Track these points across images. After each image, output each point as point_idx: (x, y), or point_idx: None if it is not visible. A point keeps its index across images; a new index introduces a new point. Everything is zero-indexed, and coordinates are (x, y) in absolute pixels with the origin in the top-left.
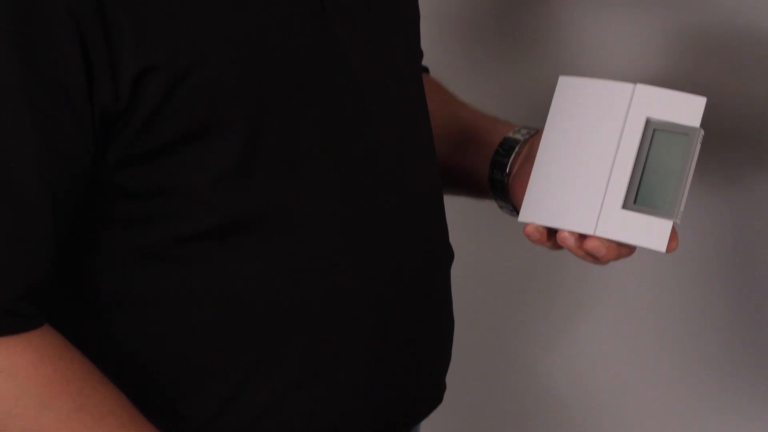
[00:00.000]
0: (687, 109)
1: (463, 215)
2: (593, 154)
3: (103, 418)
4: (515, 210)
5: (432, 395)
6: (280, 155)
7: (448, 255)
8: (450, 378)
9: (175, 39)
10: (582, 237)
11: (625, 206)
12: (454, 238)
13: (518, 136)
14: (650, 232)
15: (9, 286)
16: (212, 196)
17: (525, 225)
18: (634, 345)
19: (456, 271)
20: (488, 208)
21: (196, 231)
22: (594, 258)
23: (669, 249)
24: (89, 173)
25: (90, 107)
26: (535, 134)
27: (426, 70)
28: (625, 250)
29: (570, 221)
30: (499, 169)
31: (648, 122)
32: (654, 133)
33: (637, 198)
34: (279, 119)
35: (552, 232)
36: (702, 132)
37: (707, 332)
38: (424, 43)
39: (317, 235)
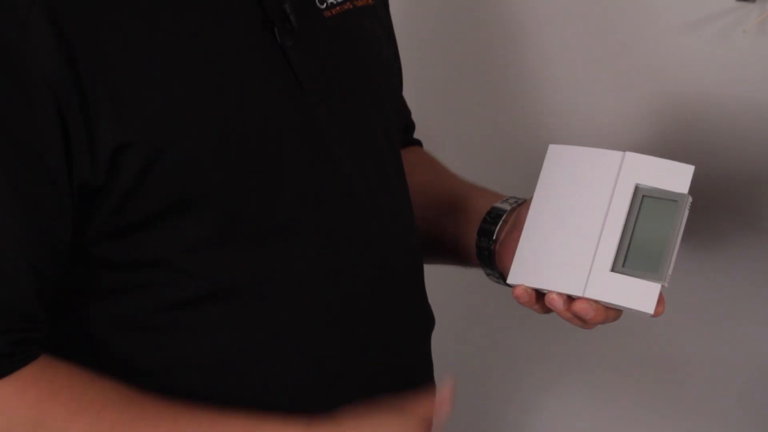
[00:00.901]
0: (676, 177)
1: (446, 281)
2: (582, 219)
3: (101, 412)
4: (502, 277)
5: None
6: (258, 228)
7: (429, 321)
8: None
9: (151, 117)
10: (570, 299)
11: (614, 269)
12: (437, 304)
13: (505, 206)
14: (638, 295)
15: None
16: (191, 267)
17: (514, 287)
18: (619, 406)
19: (437, 335)
20: (472, 275)
21: (176, 300)
22: (581, 320)
23: (656, 313)
24: (70, 245)
25: (69, 180)
26: (522, 204)
27: (419, 143)
28: (612, 313)
29: (559, 283)
30: (486, 237)
31: (637, 189)
32: (643, 199)
33: (626, 261)
34: (256, 194)
35: (541, 295)
36: (690, 198)
37: (693, 390)
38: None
39: (297, 305)
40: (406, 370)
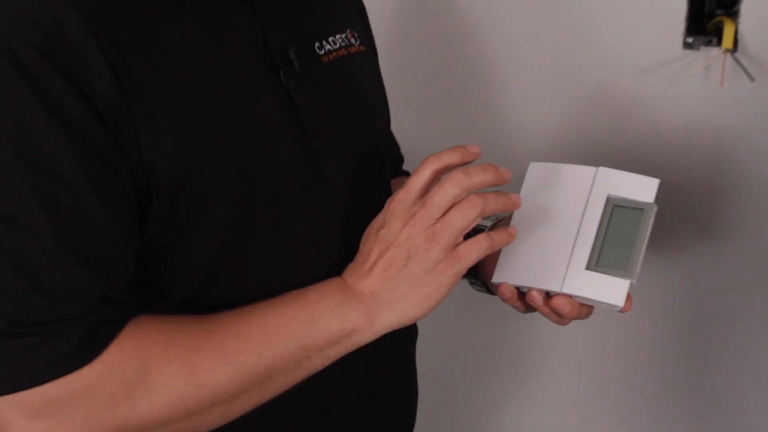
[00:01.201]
0: (643, 188)
1: None
2: (560, 225)
3: (185, 339)
4: (484, 286)
5: None
6: (265, 246)
7: (413, 331)
8: None
9: (180, 145)
10: (548, 296)
11: (588, 267)
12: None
13: (486, 223)
14: (610, 290)
15: (94, 300)
16: (204, 283)
17: (498, 285)
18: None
19: (421, 345)
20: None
21: (191, 309)
22: (558, 316)
23: (625, 308)
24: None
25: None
26: (501, 220)
27: (407, 173)
28: (585, 309)
29: (538, 281)
30: None
31: (608, 199)
32: (613, 208)
33: (599, 261)
34: (264, 215)
35: (522, 293)
36: (655, 207)
37: (654, 386)
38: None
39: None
40: (393, 377)
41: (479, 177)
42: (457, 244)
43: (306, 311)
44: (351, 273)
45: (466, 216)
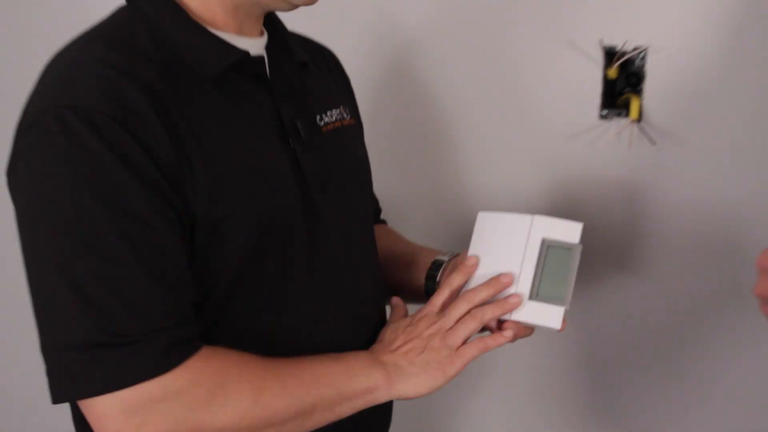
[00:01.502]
0: (571, 231)
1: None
2: (506, 264)
3: (254, 371)
4: None
5: None
6: (274, 280)
7: None
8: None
9: (215, 198)
10: (501, 322)
11: (530, 298)
12: None
13: (444, 258)
14: (549, 316)
15: (174, 319)
16: (228, 307)
17: None
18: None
19: None
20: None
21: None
22: (511, 336)
23: (561, 329)
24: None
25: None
26: (457, 255)
27: (385, 222)
28: (528, 330)
29: None
30: (431, 281)
31: (543, 241)
32: (548, 248)
33: (539, 292)
34: (274, 254)
35: None
36: (581, 246)
37: (579, 396)
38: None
39: (294, 346)
40: None
41: (484, 293)
42: (462, 345)
43: (345, 367)
44: (379, 349)
45: (469, 327)
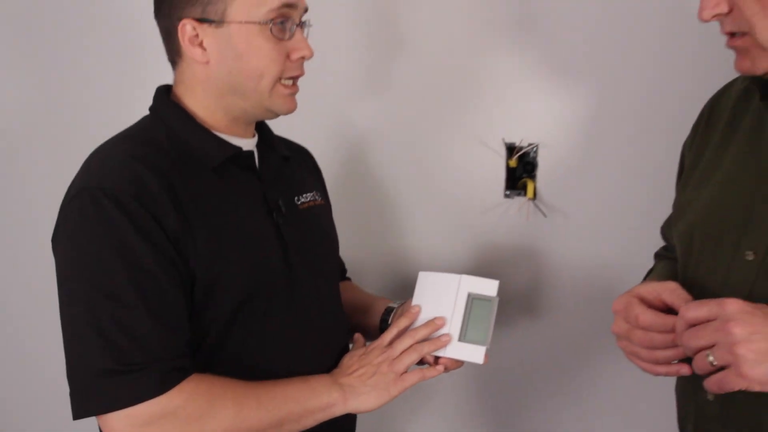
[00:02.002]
0: (490, 287)
1: None
2: (440, 313)
3: (238, 394)
4: None
5: None
6: (257, 324)
7: None
8: None
9: (214, 260)
10: (437, 358)
11: (459, 340)
12: None
13: (394, 305)
14: (474, 353)
15: (171, 353)
16: (219, 344)
17: None
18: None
19: None
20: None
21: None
22: (443, 368)
23: (484, 363)
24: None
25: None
26: (403, 303)
27: (349, 279)
28: (458, 364)
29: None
30: (384, 323)
31: (469, 295)
32: (473, 300)
33: (466, 335)
34: (258, 306)
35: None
36: (498, 298)
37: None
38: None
39: (280, 355)
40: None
41: (423, 332)
42: (405, 372)
43: (309, 388)
44: (338, 372)
45: (411, 357)
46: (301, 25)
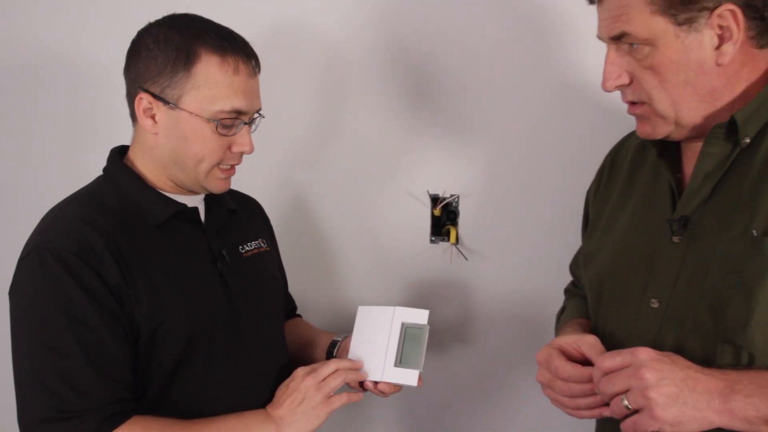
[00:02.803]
0: (420, 316)
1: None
2: (378, 341)
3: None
4: None
5: None
6: (201, 365)
7: None
8: None
9: (155, 309)
10: (376, 383)
11: (395, 365)
12: None
13: (338, 338)
14: (409, 377)
15: (110, 400)
16: (164, 384)
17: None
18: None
19: None
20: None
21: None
22: (382, 393)
23: (418, 385)
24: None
25: (128, 339)
26: (348, 335)
27: (299, 315)
28: (396, 388)
29: (371, 375)
30: (329, 355)
31: (403, 324)
32: (406, 329)
33: (401, 361)
34: (201, 348)
35: (361, 383)
36: (428, 327)
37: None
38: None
39: (222, 397)
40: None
41: (347, 363)
42: (331, 396)
43: (243, 424)
44: (271, 406)
45: (336, 381)
46: (251, 122)
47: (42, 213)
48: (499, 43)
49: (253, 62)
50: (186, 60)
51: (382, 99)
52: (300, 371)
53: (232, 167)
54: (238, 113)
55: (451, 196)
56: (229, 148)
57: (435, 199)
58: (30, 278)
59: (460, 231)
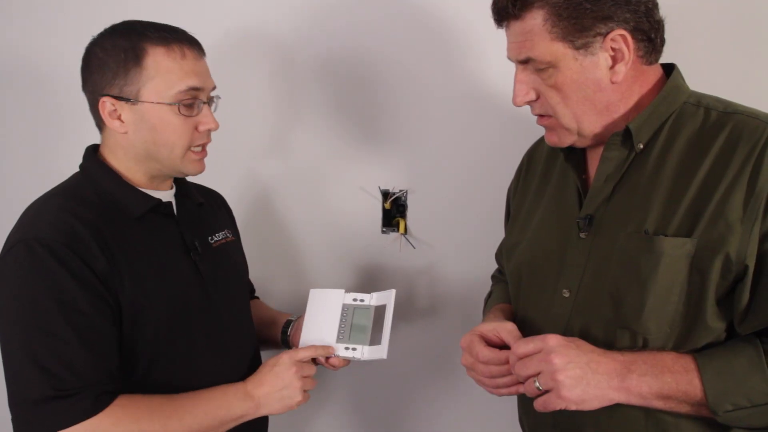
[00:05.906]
0: (386, 297)
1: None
2: (330, 320)
3: (158, 408)
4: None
5: None
6: (180, 345)
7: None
8: None
9: (137, 293)
10: (327, 358)
11: (343, 341)
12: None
13: (293, 318)
14: (357, 353)
15: (102, 378)
16: (148, 365)
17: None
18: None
19: None
20: None
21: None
22: (333, 367)
23: (367, 359)
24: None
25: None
26: (301, 315)
27: (257, 297)
28: (345, 362)
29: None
30: (284, 334)
31: (348, 306)
32: (354, 309)
33: (350, 337)
34: (180, 330)
35: (314, 359)
36: (374, 307)
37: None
38: None
39: (203, 372)
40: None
41: (321, 351)
42: (305, 380)
43: (224, 400)
44: (252, 383)
45: (312, 370)
46: (209, 101)
47: (12, 217)
48: (434, 61)
49: (197, 46)
50: (135, 57)
51: (340, 105)
52: (286, 359)
53: (203, 149)
54: (195, 90)
55: (400, 191)
56: (196, 128)
57: (386, 194)
58: (18, 268)
59: (408, 222)
